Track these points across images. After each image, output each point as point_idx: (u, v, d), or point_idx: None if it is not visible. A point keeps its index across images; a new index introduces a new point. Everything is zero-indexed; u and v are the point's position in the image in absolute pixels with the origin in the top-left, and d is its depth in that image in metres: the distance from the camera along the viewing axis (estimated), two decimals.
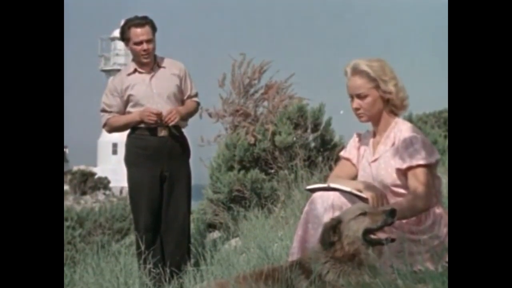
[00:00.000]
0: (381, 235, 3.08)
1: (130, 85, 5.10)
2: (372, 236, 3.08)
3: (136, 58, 5.14)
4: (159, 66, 5.17)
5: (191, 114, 5.31)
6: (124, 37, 5.11)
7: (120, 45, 47.92)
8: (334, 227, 3.10)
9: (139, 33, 5.02)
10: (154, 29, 5.11)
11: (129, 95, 5.10)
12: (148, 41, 5.04)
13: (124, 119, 5.15)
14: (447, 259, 3.08)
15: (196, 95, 5.32)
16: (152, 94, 5.08)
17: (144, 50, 5.04)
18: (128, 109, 5.13)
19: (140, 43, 5.03)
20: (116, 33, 48.05)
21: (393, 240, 3.08)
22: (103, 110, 5.19)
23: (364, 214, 3.11)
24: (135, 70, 5.15)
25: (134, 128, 5.15)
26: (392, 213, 3.08)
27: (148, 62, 5.10)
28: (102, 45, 48.86)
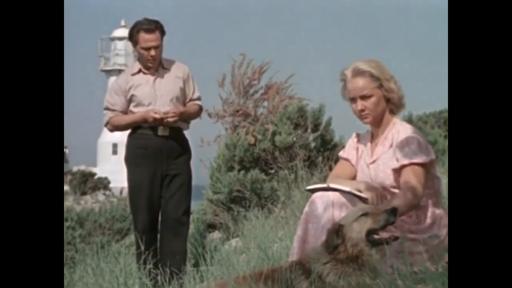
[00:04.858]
0: (383, 235, 3.08)
1: (134, 85, 5.11)
2: (375, 236, 3.08)
3: (142, 62, 5.14)
4: (164, 68, 5.17)
5: (191, 116, 5.29)
6: (132, 39, 5.10)
7: (120, 45, 48.03)
8: (337, 231, 3.10)
9: (147, 39, 5.02)
10: (163, 34, 5.11)
11: (132, 95, 5.11)
12: (156, 48, 5.04)
13: (127, 118, 5.15)
14: (447, 259, 3.08)
15: (198, 99, 5.32)
16: (155, 95, 5.09)
17: (151, 56, 5.04)
18: (131, 108, 5.14)
19: (148, 49, 5.04)
20: (116, 33, 48.12)
21: (396, 238, 3.08)
22: (106, 108, 5.20)
23: (365, 214, 3.11)
24: (140, 71, 5.16)
25: (135, 127, 5.16)
26: (393, 211, 3.08)
27: (153, 66, 5.11)
28: (102, 45, 48.84)
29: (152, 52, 5.03)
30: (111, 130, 5.31)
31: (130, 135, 5.23)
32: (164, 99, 5.09)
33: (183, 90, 5.19)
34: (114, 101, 5.15)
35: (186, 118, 5.22)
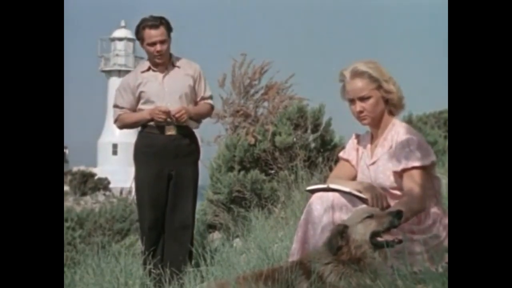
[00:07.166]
0: (387, 237, 3.07)
1: (143, 82, 5.13)
2: (379, 239, 3.07)
3: (150, 58, 5.15)
4: (174, 66, 5.18)
5: (202, 115, 5.29)
6: (138, 37, 5.14)
7: (120, 45, 48.13)
8: (341, 232, 3.09)
9: (153, 34, 5.04)
10: (169, 29, 5.12)
11: (141, 92, 5.12)
12: (162, 42, 5.05)
13: (135, 116, 5.16)
14: (447, 260, 3.08)
15: (210, 97, 5.32)
16: (164, 92, 5.09)
17: (158, 51, 5.05)
18: (140, 106, 5.15)
19: (154, 44, 5.04)
20: (116, 33, 48.20)
21: (400, 241, 3.07)
22: (115, 106, 5.23)
23: (370, 217, 3.10)
24: (149, 68, 5.17)
25: (143, 126, 5.17)
26: (398, 214, 3.07)
27: (162, 62, 5.11)
28: (102, 45, 48.90)
29: (158, 47, 5.04)
30: (120, 128, 5.34)
31: (138, 134, 5.26)
32: (172, 96, 5.09)
33: (192, 88, 5.18)
34: (123, 99, 5.17)
35: (197, 117, 5.22)
